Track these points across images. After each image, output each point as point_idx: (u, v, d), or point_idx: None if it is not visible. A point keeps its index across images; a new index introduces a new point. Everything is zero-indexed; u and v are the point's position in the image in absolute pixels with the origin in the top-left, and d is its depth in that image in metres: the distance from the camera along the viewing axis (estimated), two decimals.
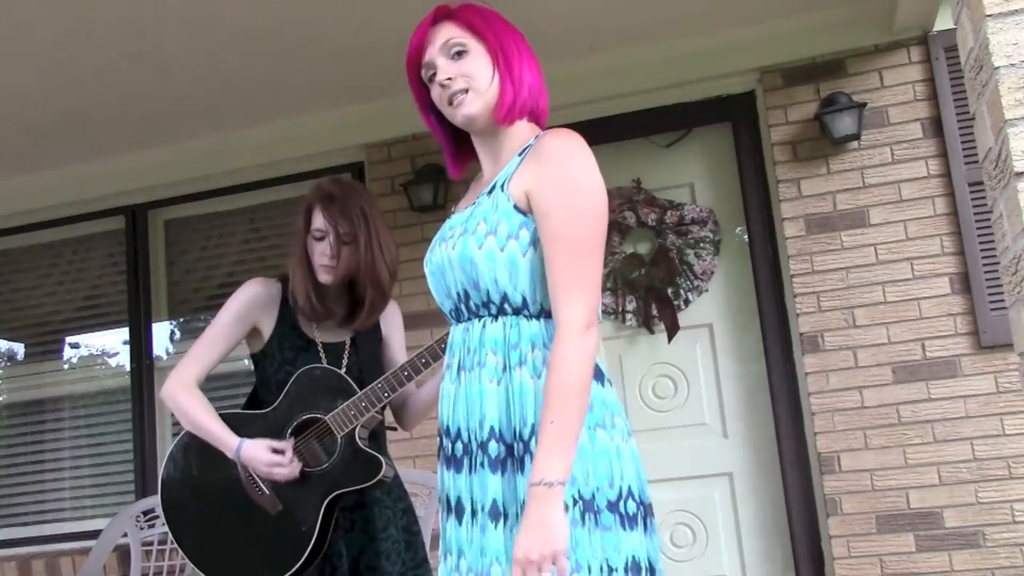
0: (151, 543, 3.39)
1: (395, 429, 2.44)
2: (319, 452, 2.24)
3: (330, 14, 3.22)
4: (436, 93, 1.62)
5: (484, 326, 1.54)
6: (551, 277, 1.47)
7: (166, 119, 3.98)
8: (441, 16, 1.63)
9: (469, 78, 1.58)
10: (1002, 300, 3.18)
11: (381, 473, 2.20)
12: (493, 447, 1.49)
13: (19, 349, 4.72)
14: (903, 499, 3.33)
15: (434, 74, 1.61)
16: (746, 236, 3.71)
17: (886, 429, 3.37)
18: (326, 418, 2.23)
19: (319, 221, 2.28)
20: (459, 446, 1.56)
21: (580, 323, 1.43)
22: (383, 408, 2.25)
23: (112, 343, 4.52)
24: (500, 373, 1.51)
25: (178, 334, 4.46)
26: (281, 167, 4.17)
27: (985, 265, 3.34)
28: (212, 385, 3.94)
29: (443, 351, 2.15)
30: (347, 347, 2.36)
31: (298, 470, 2.20)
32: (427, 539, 2.76)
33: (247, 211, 4.34)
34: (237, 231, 4.38)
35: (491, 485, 1.48)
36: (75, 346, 4.61)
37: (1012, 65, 1.44)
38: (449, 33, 1.61)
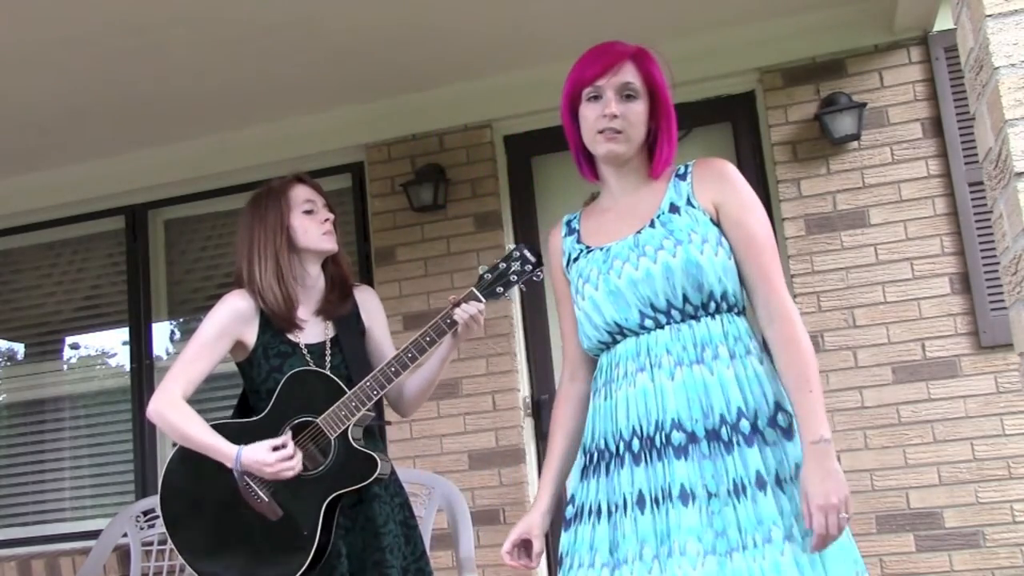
0: (151, 543, 3.39)
1: (389, 423, 2.43)
2: (315, 454, 2.23)
3: (330, 14, 3.22)
4: (592, 115, 1.79)
5: (706, 325, 1.72)
6: (761, 274, 1.74)
7: (166, 119, 3.98)
8: (631, 56, 1.81)
9: (629, 124, 1.78)
10: (1002, 300, 3.18)
11: (377, 471, 2.20)
12: (745, 425, 1.65)
13: (19, 349, 4.72)
14: (903, 499, 3.32)
15: (596, 97, 1.79)
16: None
17: (886, 429, 3.37)
18: (318, 420, 2.22)
19: (306, 193, 2.35)
20: (679, 435, 1.65)
21: (795, 309, 1.74)
22: (375, 404, 2.24)
23: (112, 343, 4.52)
24: (731, 361, 1.69)
25: (178, 334, 4.46)
26: (281, 167, 4.12)
27: (985, 265, 3.34)
28: (211, 385, 3.95)
29: (429, 344, 2.18)
30: (328, 346, 2.34)
31: (300, 463, 2.19)
32: (427, 538, 2.75)
33: (244, 207, 4.33)
34: (237, 231, 4.37)
35: (751, 459, 1.63)
36: (75, 346, 4.61)
37: (1012, 65, 1.44)
38: (630, 77, 1.79)
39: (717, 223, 1.76)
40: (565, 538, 1.77)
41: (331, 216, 2.37)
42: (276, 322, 2.30)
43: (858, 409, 3.40)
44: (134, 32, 3.20)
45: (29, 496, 4.46)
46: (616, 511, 1.68)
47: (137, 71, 3.50)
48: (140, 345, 4.32)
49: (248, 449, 2.18)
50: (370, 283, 3.97)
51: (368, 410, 2.22)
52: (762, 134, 3.71)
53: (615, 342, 1.78)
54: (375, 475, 2.20)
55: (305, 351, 2.31)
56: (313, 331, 2.35)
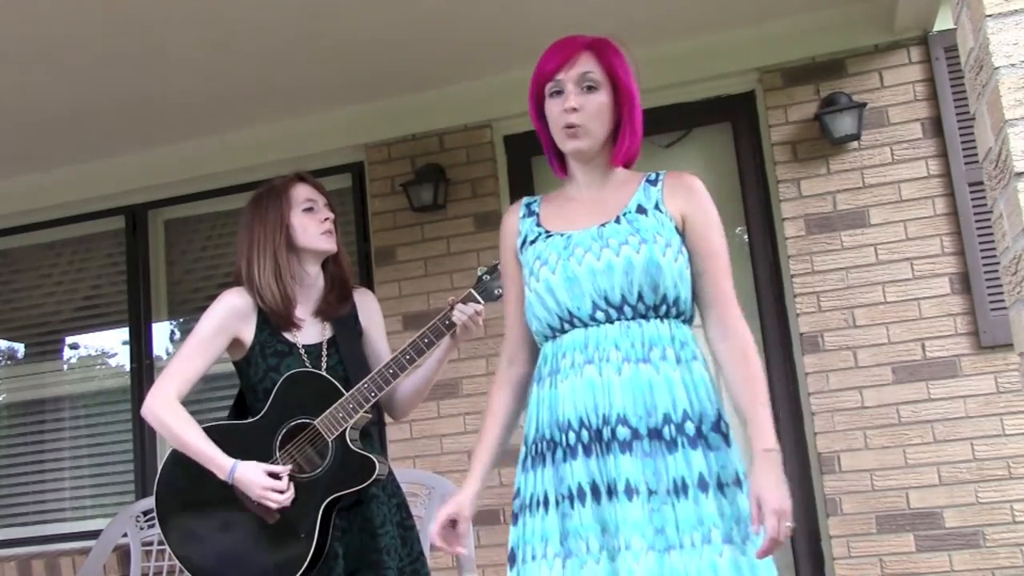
0: (151, 543, 3.38)
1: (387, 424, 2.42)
2: (312, 457, 2.22)
3: (330, 14, 3.22)
4: (555, 111, 1.79)
5: (655, 326, 1.74)
6: (719, 290, 1.79)
7: (166, 119, 3.98)
8: (587, 46, 1.81)
9: (589, 116, 1.77)
10: (1002, 300, 3.18)
11: (375, 473, 2.19)
12: (690, 427, 1.68)
13: (19, 349, 4.72)
14: (903, 499, 3.32)
15: (559, 92, 1.78)
16: (746, 236, 3.71)
17: (886, 429, 3.37)
18: (315, 423, 2.21)
19: (306, 192, 2.35)
20: (624, 430, 1.67)
21: (746, 324, 1.80)
22: (372, 407, 2.24)
23: (112, 343, 4.52)
24: (677, 365, 1.72)
25: (178, 334, 4.46)
26: (281, 167, 4.10)
27: (985, 265, 3.34)
28: (211, 385, 3.95)
29: (427, 346, 2.17)
30: (325, 347, 2.33)
31: (291, 499, 2.18)
32: (424, 539, 2.75)
33: (245, 205, 4.33)
34: (237, 231, 4.37)
35: (695, 460, 1.67)
36: (75, 346, 4.61)
37: (1012, 65, 1.44)
38: (589, 66, 1.79)
39: (681, 233, 1.78)
40: (514, 532, 1.77)
41: (331, 216, 2.36)
42: (274, 320, 2.30)
43: (858, 409, 3.40)
44: (134, 32, 3.20)
45: (29, 496, 4.46)
46: (564, 501, 1.69)
47: (137, 71, 3.50)
48: (140, 345, 4.32)
49: (244, 467, 2.17)
50: (370, 283, 3.98)
51: (366, 412, 2.22)
52: (762, 134, 3.70)
53: (563, 331, 1.77)
54: (373, 478, 2.20)
55: (302, 351, 2.31)
56: (311, 331, 2.34)
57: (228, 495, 2.21)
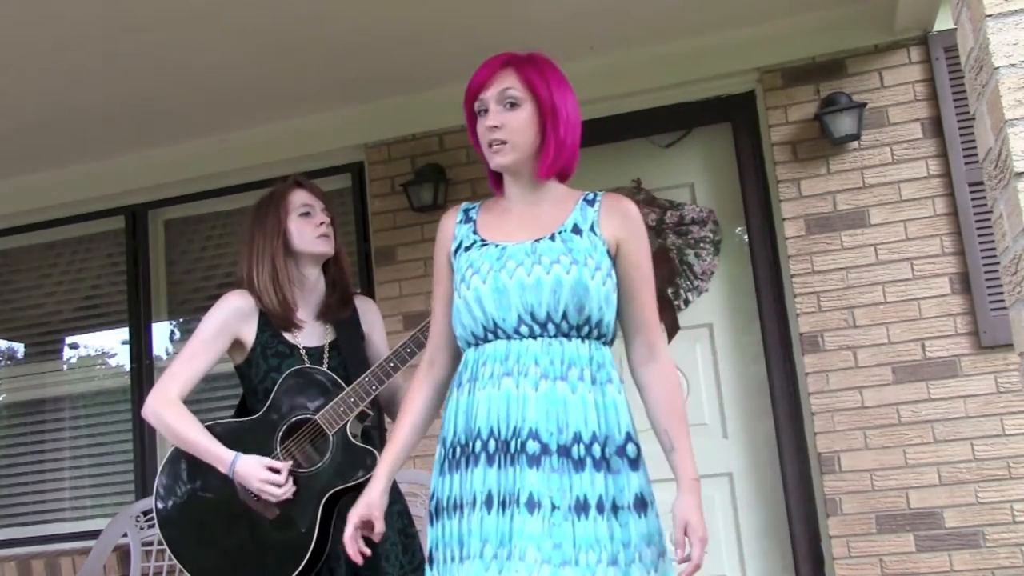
0: (151, 543, 3.38)
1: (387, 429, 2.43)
2: (312, 453, 2.23)
3: (330, 14, 3.22)
4: (481, 130, 1.83)
5: (576, 346, 1.77)
6: (647, 315, 1.85)
7: (166, 119, 3.98)
8: (507, 63, 1.83)
9: (512, 132, 1.80)
10: (1002, 300, 3.18)
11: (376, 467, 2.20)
12: (596, 449, 1.72)
13: (19, 349, 4.72)
14: (903, 499, 3.32)
15: (484, 111, 1.82)
16: (746, 236, 3.71)
17: (886, 429, 3.37)
18: (316, 417, 2.22)
19: (303, 197, 2.36)
20: (534, 445, 1.70)
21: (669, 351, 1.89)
22: (372, 402, 2.24)
23: (112, 343, 4.52)
24: (592, 386, 1.75)
25: (178, 334, 4.46)
26: (281, 167, 4.15)
27: (985, 265, 3.34)
28: (211, 385, 3.95)
29: (427, 340, 2.17)
30: (327, 349, 2.35)
31: (291, 492, 2.19)
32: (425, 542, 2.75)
33: (247, 211, 4.32)
34: (237, 231, 4.37)
35: (597, 482, 1.70)
36: (75, 346, 4.61)
37: (1012, 65, 1.44)
38: (508, 83, 1.81)
39: (612, 257, 1.82)
40: (432, 533, 1.81)
41: (327, 219, 2.37)
42: (275, 322, 2.31)
43: (858, 409, 3.40)
44: (134, 32, 3.20)
45: (29, 496, 4.46)
46: (464, 507, 1.74)
47: (137, 71, 3.50)
48: (140, 345, 4.32)
49: (244, 460, 2.19)
50: (370, 283, 3.98)
51: (367, 407, 2.22)
52: (762, 134, 3.70)
53: (486, 340, 1.80)
54: (373, 470, 2.20)
55: (303, 353, 2.32)
56: (313, 333, 2.35)
57: (228, 491, 2.22)
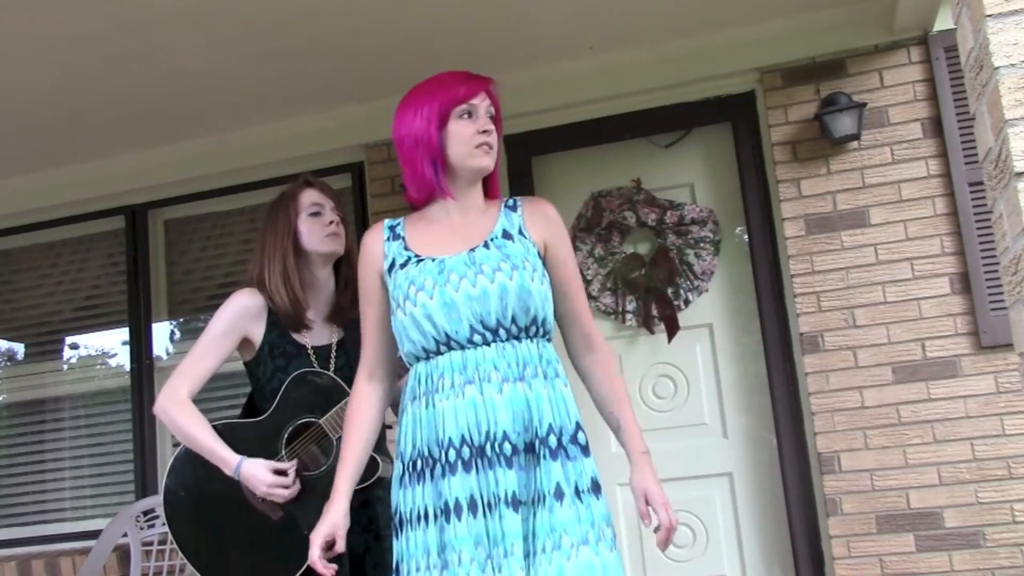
0: (151, 543, 3.39)
1: (390, 427, 2.44)
2: (317, 455, 2.24)
3: (330, 14, 3.22)
4: (467, 131, 1.92)
5: (527, 346, 1.87)
6: (580, 309, 1.98)
7: (166, 119, 3.98)
8: (488, 84, 2.02)
9: (495, 141, 1.97)
10: (1002, 300, 3.18)
11: (379, 472, 2.21)
12: (552, 440, 1.82)
13: (19, 349, 4.72)
14: (903, 499, 3.33)
15: (470, 114, 1.94)
16: (746, 236, 3.71)
17: (886, 429, 3.37)
18: (320, 421, 2.23)
19: (313, 196, 2.38)
20: (507, 446, 1.78)
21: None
22: None
23: (112, 343, 4.52)
24: (544, 381, 1.85)
25: (178, 334, 4.46)
26: (281, 167, 4.17)
27: (985, 265, 3.34)
28: (212, 385, 3.95)
29: None
30: (334, 348, 2.36)
31: (296, 493, 2.20)
32: None
33: (247, 211, 4.33)
34: (237, 231, 4.38)
35: (554, 471, 1.79)
36: (75, 346, 4.61)
37: (1012, 65, 1.44)
38: (490, 101, 1.99)
39: (542, 257, 1.93)
40: (397, 546, 1.86)
41: (336, 218, 2.38)
42: (284, 322, 2.32)
43: (858, 409, 3.40)
44: (134, 32, 3.20)
45: (29, 496, 4.46)
46: (442, 515, 1.78)
47: (137, 71, 3.50)
48: (140, 345, 4.32)
49: (249, 463, 2.20)
50: None
51: None
52: (762, 134, 3.70)
53: (438, 352, 1.86)
54: (376, 476, 2.21)
55: (311, 352, 2.33)
56: (321, 333, 2.37)
57: (234, 492, 2.23)
